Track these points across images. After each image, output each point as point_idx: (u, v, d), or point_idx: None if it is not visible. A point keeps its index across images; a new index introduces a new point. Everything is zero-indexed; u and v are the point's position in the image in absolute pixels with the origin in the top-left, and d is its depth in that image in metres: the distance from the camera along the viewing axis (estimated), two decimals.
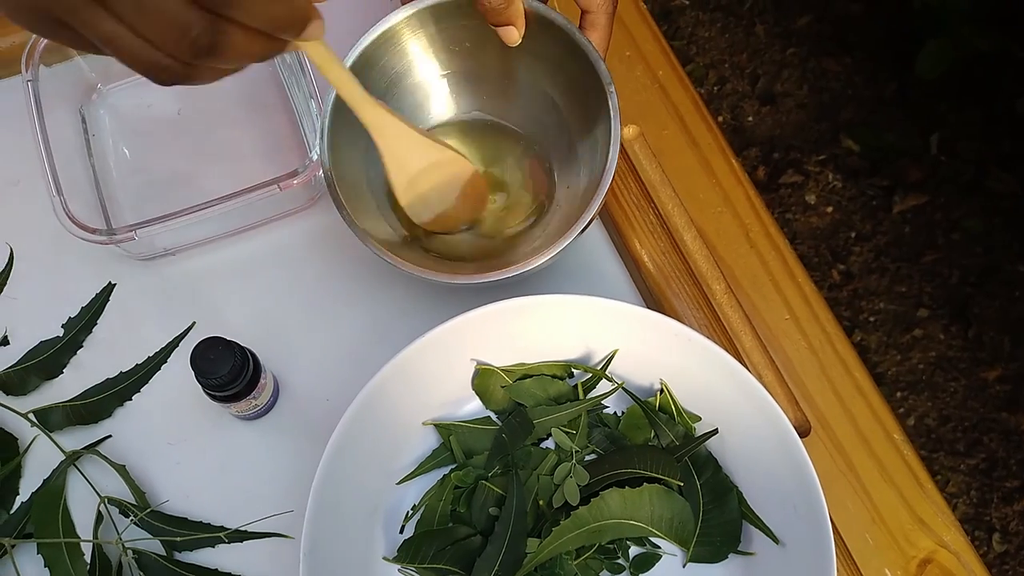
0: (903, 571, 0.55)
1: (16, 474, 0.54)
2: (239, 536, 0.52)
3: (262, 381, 0.52)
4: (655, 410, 0.54)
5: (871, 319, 1.37)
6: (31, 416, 0.55)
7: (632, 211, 0.60)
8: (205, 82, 0.36)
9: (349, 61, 0.53)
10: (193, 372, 0.49)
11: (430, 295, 0.59)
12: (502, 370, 0.54)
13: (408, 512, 0.53)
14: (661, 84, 0.68)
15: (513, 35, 0.51)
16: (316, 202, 0.61)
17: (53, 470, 0.54)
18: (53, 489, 0.52)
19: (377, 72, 0.55)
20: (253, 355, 0.52)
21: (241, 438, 0.56)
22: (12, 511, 0.53)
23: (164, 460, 0.55)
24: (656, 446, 0.54)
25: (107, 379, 0.56)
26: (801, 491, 0.49)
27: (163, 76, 0.34)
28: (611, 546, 0.53)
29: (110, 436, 0.56)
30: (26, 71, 0.57)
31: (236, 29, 0.34)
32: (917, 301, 1.38)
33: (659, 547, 0.53)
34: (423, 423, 0.54)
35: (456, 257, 0.57)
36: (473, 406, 0.55)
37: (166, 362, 0.57)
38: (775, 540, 0.51)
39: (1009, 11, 1.42)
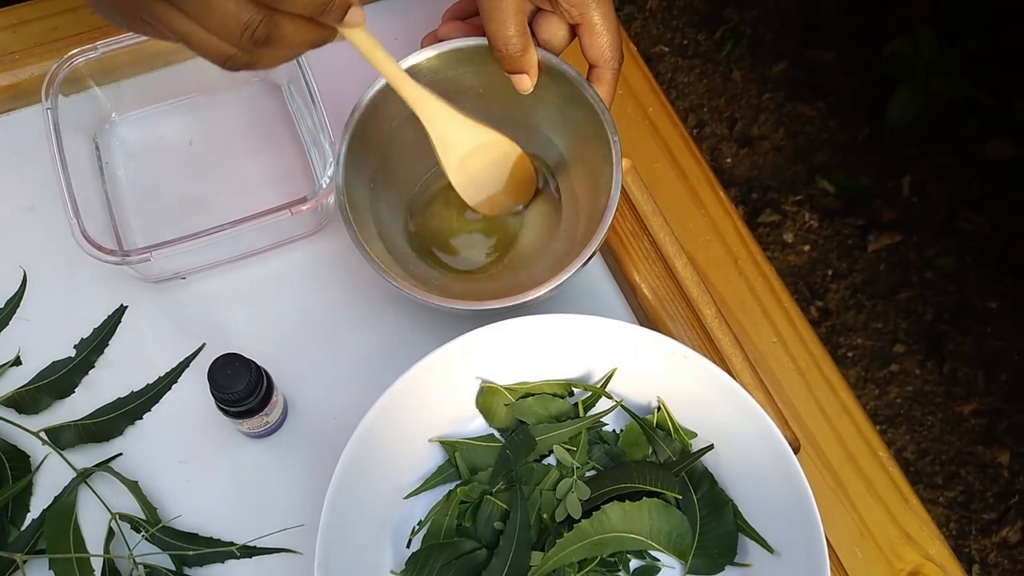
0: None
1: (27, 491, 0.55)
2: (250, 551, 0.54)
3: (274, 398, 0.54)
4: (653, 427, 0.56)
5: (849, 354, 1.41)
6: (43, 434, 0.56)
7: (628, 238, 0.63)
8: (269, 67, 0.42)
9: (368, 95, 0.56)
10: (209, 386, 0.50)
11: (434, 318, 0.62)
12: (505, 388, 0.56)
13: (415, 527, 0.55)
14: (651, 120, 0.72)
15: (525, 83, 0.54)
16: (323, 228, 0.63)
17: (65, 487, 0.55)
18: (65, 505, 0.53)
19: (394, 108, 0.57)
20: (267, 373, 0.53)
21: (251, 456, 0.57)
22: (23, 527, 0.54)
23: (174, 478, 0.56)
24: (654, 462, 0.56)
25: (118, 398, 0.58)
26: (794, 502, 0.51)
27: (231, 64, 0.40)
28: (612, 559, 0.54)
29: (121, 454, 0.57)
30: (46, 100, 0.59)
31: (287, 20, 0.39)
32: (893, 337, 1.42)
33: (658, 560, 0.55)
34: (429, 440, 0.56)
35: (456, 292, 0.60)
36: (477, 424, 0.57)
37: (176, 382, 0.58)
38: (770, 550, 0.52)
39: (975, 61, 1.49)
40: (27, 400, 0.57)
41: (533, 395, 0.57)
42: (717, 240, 0.67)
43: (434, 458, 0.56)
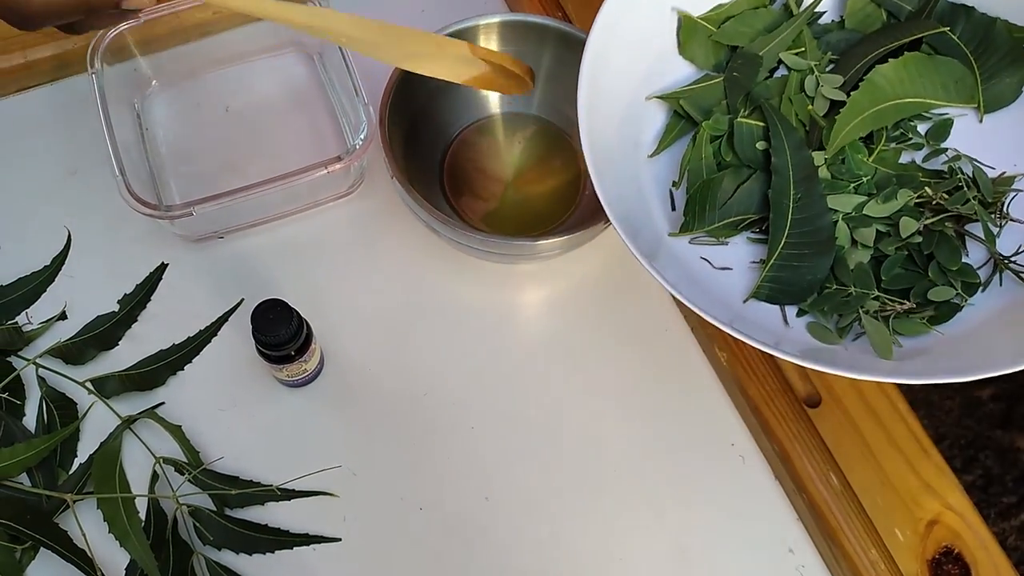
0: (912, 531, 0.58)
1: (75, 437, 0.57)
2: (289, 494, 0.55)
3: (313, 346, 0.56)
4: None
5: None
6: (88, 384, 0.58)
7: None
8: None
9: None
10: (252, 330, 0.52)
11: (464, 274, 0.63)
12: (701, 19, 0.52)
13: (670, 187, 0.51)
14: None
15: None
16: (355, 190, 0.65)
17: (110, 433, 0.57)
18: (111, 448, 0.55)
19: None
20: (306, 321, 0.55)
21: (288, 405, 0.59)
22: (72, 471, 0.56)
23: (215, 425, 0.58)
24: (895, 23, 0.52)
25: (160, 350, 0.60)
26: None
27: None
28: (898, 132, 0.51)
29: (163, 403, 0.59)
30: (91, 65, 0.61)
31: None
32: None
33: (946, 114, 0.51)
34: (646, 98, 0.52)
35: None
36: (686, 72, 0.53)
37: (216, 335, 0.60)
38: None
39: None
40: (73, 351, 0.59)
41: (733, 16, 0.52)
42: None
43: (658, 119, 0.52)
